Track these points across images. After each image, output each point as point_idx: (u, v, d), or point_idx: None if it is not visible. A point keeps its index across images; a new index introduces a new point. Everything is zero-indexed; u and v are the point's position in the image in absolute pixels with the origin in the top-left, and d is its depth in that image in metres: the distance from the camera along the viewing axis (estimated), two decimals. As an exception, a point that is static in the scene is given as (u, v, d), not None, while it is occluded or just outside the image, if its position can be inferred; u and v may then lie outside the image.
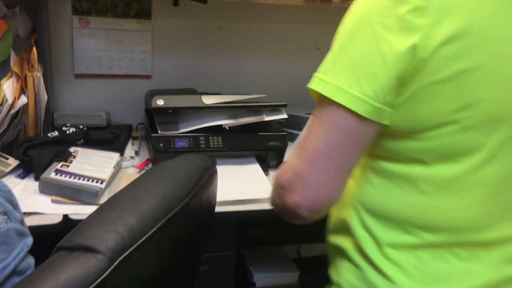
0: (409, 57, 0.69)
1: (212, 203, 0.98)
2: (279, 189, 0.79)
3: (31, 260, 0.98)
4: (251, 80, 2.05)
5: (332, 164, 0.73)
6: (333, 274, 0.94)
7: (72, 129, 1.63)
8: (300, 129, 1.81)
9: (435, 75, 0.71)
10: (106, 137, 1.69)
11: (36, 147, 1.50)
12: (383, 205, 0.83)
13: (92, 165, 1.50)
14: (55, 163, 1.46)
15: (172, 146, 1.61)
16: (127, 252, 0.64)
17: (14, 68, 1.51)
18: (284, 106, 1.71)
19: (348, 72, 0.72)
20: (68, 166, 1.47)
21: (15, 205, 1.03)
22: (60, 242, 0.66)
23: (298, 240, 2.25)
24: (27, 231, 1.02)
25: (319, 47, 2.06)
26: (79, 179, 1.41)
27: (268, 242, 2.11)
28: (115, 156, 1.59)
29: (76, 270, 0.59)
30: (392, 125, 0.76)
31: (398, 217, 0.82)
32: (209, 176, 0.88)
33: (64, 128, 1.64)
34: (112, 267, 0.61)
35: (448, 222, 0.80)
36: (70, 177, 1.41)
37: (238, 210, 1.43)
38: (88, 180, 1.41)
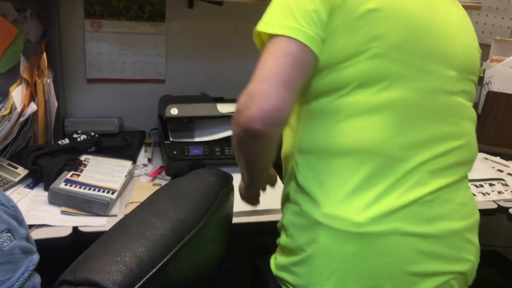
0: None
1: (229, 221, 0.92)
2: (236, 115, 0.86)
3: (36, 279, 0.93)
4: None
5: (280, 80, 0.83)
6: (279, 222, 1.04)
7: (83, 137, 1.58)
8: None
9: (351, 13, 0.89)
10: (118, 144, 1.64)
11: (46, 156, 1.45)
12: (313, 141, 0.95)
13: (103, 174, 1.45)
14: (65, 173, 1.41)
15: (186, 153, 1.56)
16: (138, 286, 0.58)
17: (24, 74, 1.46)
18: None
19: (287, 14, 0.88)
20: (78, 175, 1.42)
21: (20, 221, 0.97)
22: (63, 274, 0.60)
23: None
24: (33, 248, 0.96)
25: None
26: (89, 189, 1.36)
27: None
28: (127, 164, 1.53)
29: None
30: (321, 58, 0.90)
31: (326, 148, 0.93)
32: (225, 193, 0.82)
33: (75, 136, 1.59)
34: (119, 305, 0.55)
35: (362, 144, 0.90)
36: (80, 187, 1.36)
37: (254, 221, 1.37)
38: (99, 191, 1.36)
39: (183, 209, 0.71)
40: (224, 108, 1.61)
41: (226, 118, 1.61)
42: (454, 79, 0.96)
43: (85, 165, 1.47)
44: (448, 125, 0.96)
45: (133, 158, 1.60)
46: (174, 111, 1.58)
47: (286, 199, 1.03)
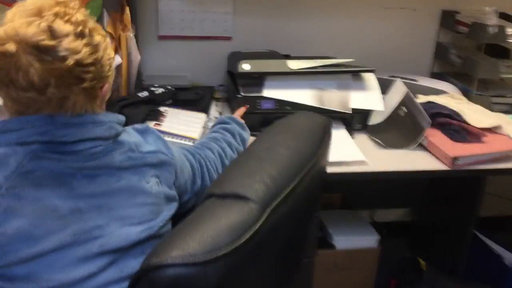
0: None
1: (326, 163, 0.98)
2: None
3: (169, 226, 0.97)
4: (332, 40, 2.01)
5: None
6: None
7: (161, 90, 1.66)
8: (383, 93, 1.77)
9: None
10: (192, 98, 1.72)
11: (130, 106, 1.53)
12: None
13: (182, 124, 1.53)
14: (148, 122, 1.49)
15: (258, 107, 1.61)
16: (276, 202, 0.64)
17: (108, 28, 1.54)
18: (372, 71, 1.68)
19: None
20: (160, 125, 1.50)
21: (179, 170, 1.02)
22: (208, 188, 0.67)
23: (372, 205, 2.24)
24: (176, 196, 1.01)
25: (404, 7, 1.99)
26: (172, 137, 1.44)
27: (343, 206, 2.11)
28: (202, 116, 1.61)
29: (233, 217, 0.60)
30: None
31: None
32: (329, 134, 0.88)
33: (152, 88, 1.67)
34: (265, 216, 0.62)
35: None
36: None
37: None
38: (181, 139, 1.44)
39: (300, 142, 0.78)
40: (293, 65, 1.66)
41: (295, 75, 1.65)
42: None
43: (164, 116, 1.55)
44: None
45: (206, 111, 1.67)
46: (246, 66, 1.63)
47: None
